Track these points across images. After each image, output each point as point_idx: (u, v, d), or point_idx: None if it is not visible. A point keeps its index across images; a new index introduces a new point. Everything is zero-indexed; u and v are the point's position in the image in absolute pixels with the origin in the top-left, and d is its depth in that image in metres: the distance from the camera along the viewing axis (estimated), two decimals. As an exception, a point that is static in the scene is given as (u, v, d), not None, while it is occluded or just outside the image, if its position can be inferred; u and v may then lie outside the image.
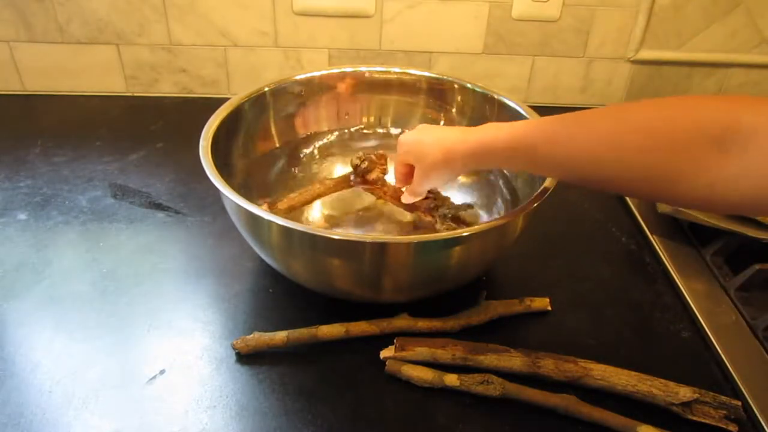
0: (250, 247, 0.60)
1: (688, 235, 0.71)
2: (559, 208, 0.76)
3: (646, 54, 0.97)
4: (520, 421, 0.51)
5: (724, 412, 0.50)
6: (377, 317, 0.57)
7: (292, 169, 0.73)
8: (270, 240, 0.55)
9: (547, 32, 0.95)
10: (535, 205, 0.54)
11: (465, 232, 0.52)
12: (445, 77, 0.75)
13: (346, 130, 0.78)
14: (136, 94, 0.98)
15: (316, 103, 0.76)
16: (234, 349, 0.55)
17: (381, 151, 0.67)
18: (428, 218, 0.65)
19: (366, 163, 0.65)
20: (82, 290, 0.61)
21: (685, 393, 0.50)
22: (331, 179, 0.68)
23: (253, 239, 0.57)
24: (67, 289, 0.61)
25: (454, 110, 0.76)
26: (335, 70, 0.76)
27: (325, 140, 0.77)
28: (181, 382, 0.53)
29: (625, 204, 0.78)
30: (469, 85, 0.74)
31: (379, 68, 0.77)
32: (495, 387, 0.51)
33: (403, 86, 0.77)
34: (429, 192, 0.64)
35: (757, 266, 0.62)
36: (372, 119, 0.79)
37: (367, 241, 0.52)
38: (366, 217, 0.70)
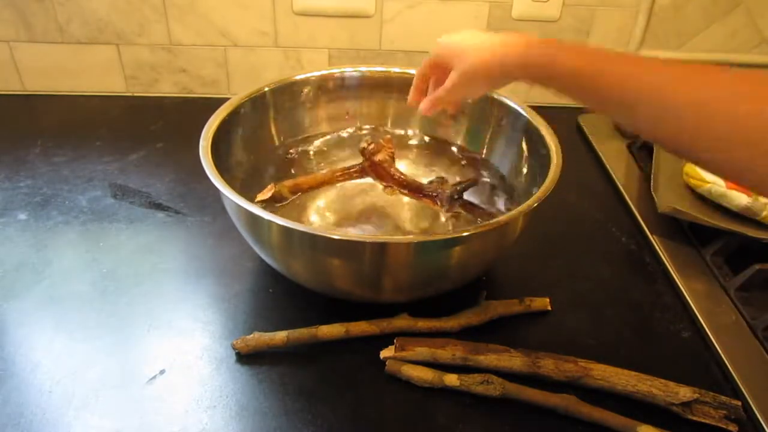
0: (250, 247, 0.60)
1: (688, 235, 0.71)
2: (559, 208, 0.76)
3: (646, 54, 0.96)
4: (520, 421, 0.51)
5: (724, 412, 0.50)
6: (377, 317, 0.57)
7: (292, 169, 0.73)
8: (270, 240, 0.55)
9: (547, 32, 0.94)
10: (535, 205, 0.54)
11: (465, 232, 0.52)
12: (445, 77, 0.75)
13: (346, 131, 0.78)
14: (136, 94, 0.98)
15: (316, 103, 0.76)
16: (234, 349, 0.55)
17: (388, 135, 0.66)
18: (434, 206, 0.64)
19: (373, 145, 0.66)
20: (82, 290, 0.61)
21: (685, 393, 0.50)
22: (339, 168, 0.68)
23: (253, 239, 0.57)
24: (67, 289, 0.61)
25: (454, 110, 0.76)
26: (335, 70, 0.76)
27: (325, 140, 0.77)
28: (181, 382, 0.53)
29: (625, 204, 0.78)
30: (469, 85, 0.73)
31: (379, 68, 0.77)
32: (495, 387, 0.51)
33: (403, 86, 0.76)
34: (430, 181, 0.64)
35: (757, 266, 0.62)
36: (372, 119, 0.79)
37: (367, 241, 0.52)
38: (366, 218, 0.70)
